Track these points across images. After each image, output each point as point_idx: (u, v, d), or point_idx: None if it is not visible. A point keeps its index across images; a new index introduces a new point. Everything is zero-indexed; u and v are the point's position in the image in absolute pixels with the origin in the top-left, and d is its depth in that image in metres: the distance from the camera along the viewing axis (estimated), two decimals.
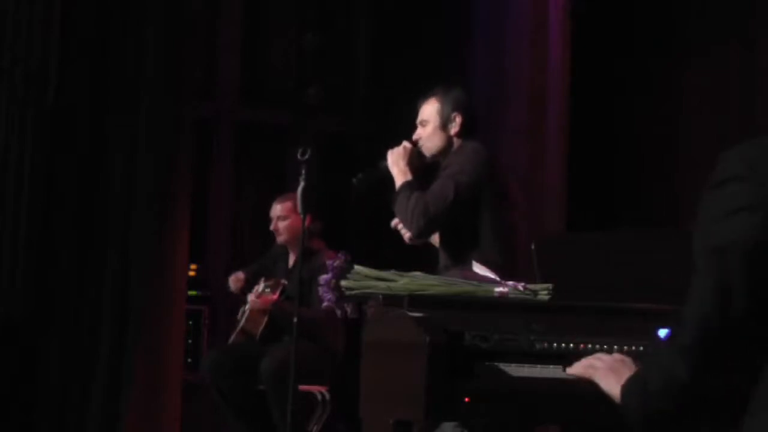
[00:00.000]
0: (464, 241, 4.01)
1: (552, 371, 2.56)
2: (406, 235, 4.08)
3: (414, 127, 4.24)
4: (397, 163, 4.11)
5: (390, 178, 4.15)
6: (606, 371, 2.18)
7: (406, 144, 4.15)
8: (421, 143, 4.19)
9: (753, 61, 6.07)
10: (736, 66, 6.15)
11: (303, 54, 7.18)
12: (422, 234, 4.00)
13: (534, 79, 6.31)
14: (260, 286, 5.57)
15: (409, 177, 4.08)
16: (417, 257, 3.87)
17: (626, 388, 2.07)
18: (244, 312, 5.63)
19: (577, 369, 2.27)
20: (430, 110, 4.20)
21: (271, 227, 5.72)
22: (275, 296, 5.50)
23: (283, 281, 5.56)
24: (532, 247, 3.08)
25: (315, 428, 5.51)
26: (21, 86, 5.41)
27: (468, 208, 4.00)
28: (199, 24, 6.09)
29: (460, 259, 3.94)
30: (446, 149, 4.18)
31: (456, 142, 4.18)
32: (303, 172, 4.55)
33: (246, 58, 7.16)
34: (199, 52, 6.28)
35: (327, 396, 5.52)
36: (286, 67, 7.28)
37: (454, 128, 4.17)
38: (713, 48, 6.25)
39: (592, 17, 6.52)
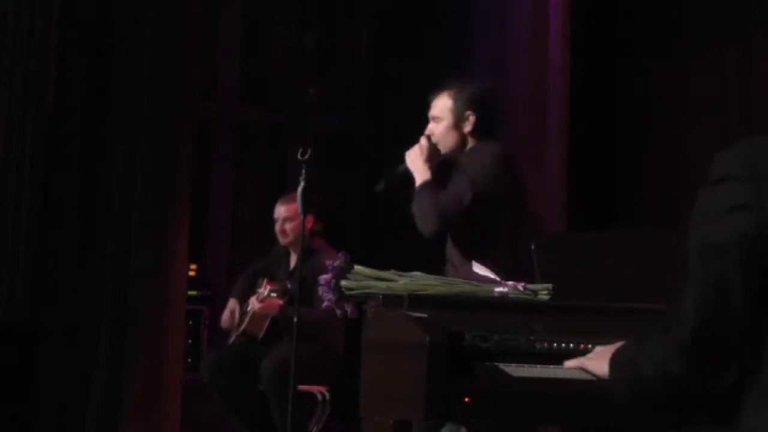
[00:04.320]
0: (475, 243, 3.99)
1: (552, 371, 2.56)
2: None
3: (418, 124, 4.20)
4: (415, 163, 4.07)
5: (409, 178, 4.11)
6: (596, 358, 2.32)
7: (422, 142, 4.10)
8: (434, 139, 4.13)
9: (753, 62, 6.07)
10: (736, 66, 6.15)
11: (303, 54, 7.19)
12: (435, 236, 3.96)
13: (534, 79, 6.31)
14: (265, 291, 5.56)
15: (428, 176, 4.03)
16: (417, 257, 3.87)
17: (614, 363, 2.16)
18: (246, 313, 5.62)
19: (572, 362, 2.37)
20: (442, 106, 4.14)
21: (277, 228, 5.70)
22: (281, 302, 5.48)
23: (288, 286, 5.54)
24: (532, 247, 3.08)
25: (315, 428, 5.50)
26: (21, 86, 5.41)
27: (482, 212, 3.97)
28: (199, 24, 6.09)
29: (469, 260, 3.91)
30: (460, 148, 4.13)
31: (471, 140, 4.12)
32: (303, 172, 4.54)
33: (246, 58, 7.17)
34: (199, 52, 6.28)
35: (327, 396, 5.52)
36: (286, 67, 7.28)
37: (467, 127, 4.11)
38: (713, 48, 6.25)
39: (592, 17, 6.52)
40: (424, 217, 3.95)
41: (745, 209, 1.93)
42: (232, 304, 5.69)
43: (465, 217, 3.93)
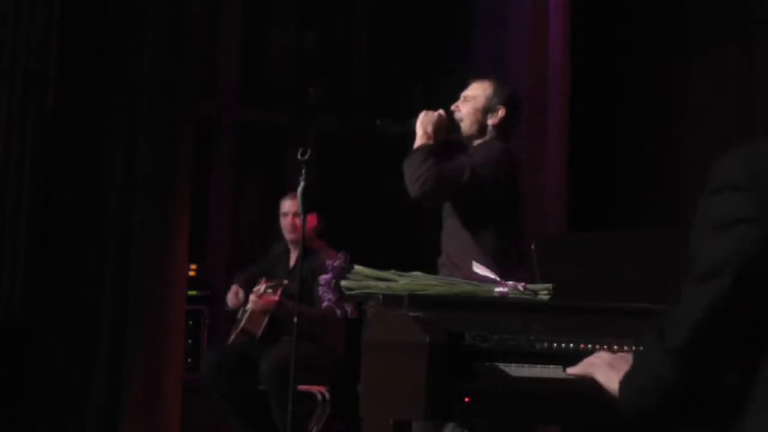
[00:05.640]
0: (469, 239, 4.00)
1: (552, 371, 2.56)
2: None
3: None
4: (425, 126, 4.08)
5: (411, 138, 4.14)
6: (605, 367, 2.21)
7: (441, 112, 4.14)
8: (456, 116, 4.17)
9: (753, 62, 6.07)
10: (736, 66, 6.15)
11: (303, 54, 7.19)
12: (424, 196, 3.95)
13: (534, 79, 6.31)
14: (261, 287, 5.56)
15: (431, 142, 4.05)
16: (417, 257, 3.87)
17: (623, 383, 2.10)
18: (244, 312, 5.62)
19: (577, 369, 2.29)
20: (479, 89, 4.19)
21: (287, 222, 5.68)
22: (277, 297, 5.49)
23: (285, 282, 5.55)
24: (532, 247, 3.08)
25: (315, 428, 5.51)
26: (21, 86, 5.41)
27: (480, 206, 3.99)
28: (199, 24, 6.08)
29: (462, 256, 3.92)
30: (477, 135, 4.16)
31: (490, 133, 4.16)
32: (303, 172, 4.54)
33: (246, 58, 7.17)
34: (199, 52, 6.28)
35: (327, 396, 5.52)
36: (286, 67, 7.28)
37: (493, 118, 4.16)
38: (713, 48, 6.25)
39: (592, 17, 6.53)
40: (416, 177, 3.93)
41: (747, 222, 1.90)
42: (235, 287, 5.68)
43: (461, 193, 3.95)
